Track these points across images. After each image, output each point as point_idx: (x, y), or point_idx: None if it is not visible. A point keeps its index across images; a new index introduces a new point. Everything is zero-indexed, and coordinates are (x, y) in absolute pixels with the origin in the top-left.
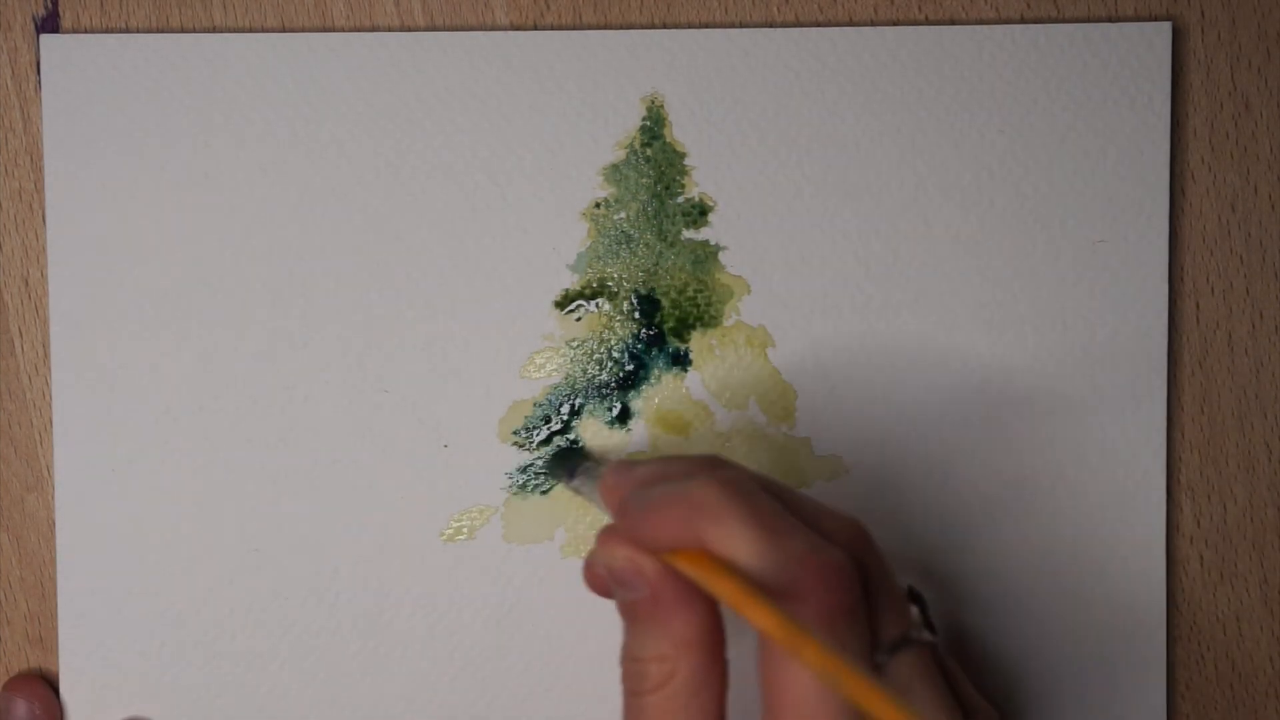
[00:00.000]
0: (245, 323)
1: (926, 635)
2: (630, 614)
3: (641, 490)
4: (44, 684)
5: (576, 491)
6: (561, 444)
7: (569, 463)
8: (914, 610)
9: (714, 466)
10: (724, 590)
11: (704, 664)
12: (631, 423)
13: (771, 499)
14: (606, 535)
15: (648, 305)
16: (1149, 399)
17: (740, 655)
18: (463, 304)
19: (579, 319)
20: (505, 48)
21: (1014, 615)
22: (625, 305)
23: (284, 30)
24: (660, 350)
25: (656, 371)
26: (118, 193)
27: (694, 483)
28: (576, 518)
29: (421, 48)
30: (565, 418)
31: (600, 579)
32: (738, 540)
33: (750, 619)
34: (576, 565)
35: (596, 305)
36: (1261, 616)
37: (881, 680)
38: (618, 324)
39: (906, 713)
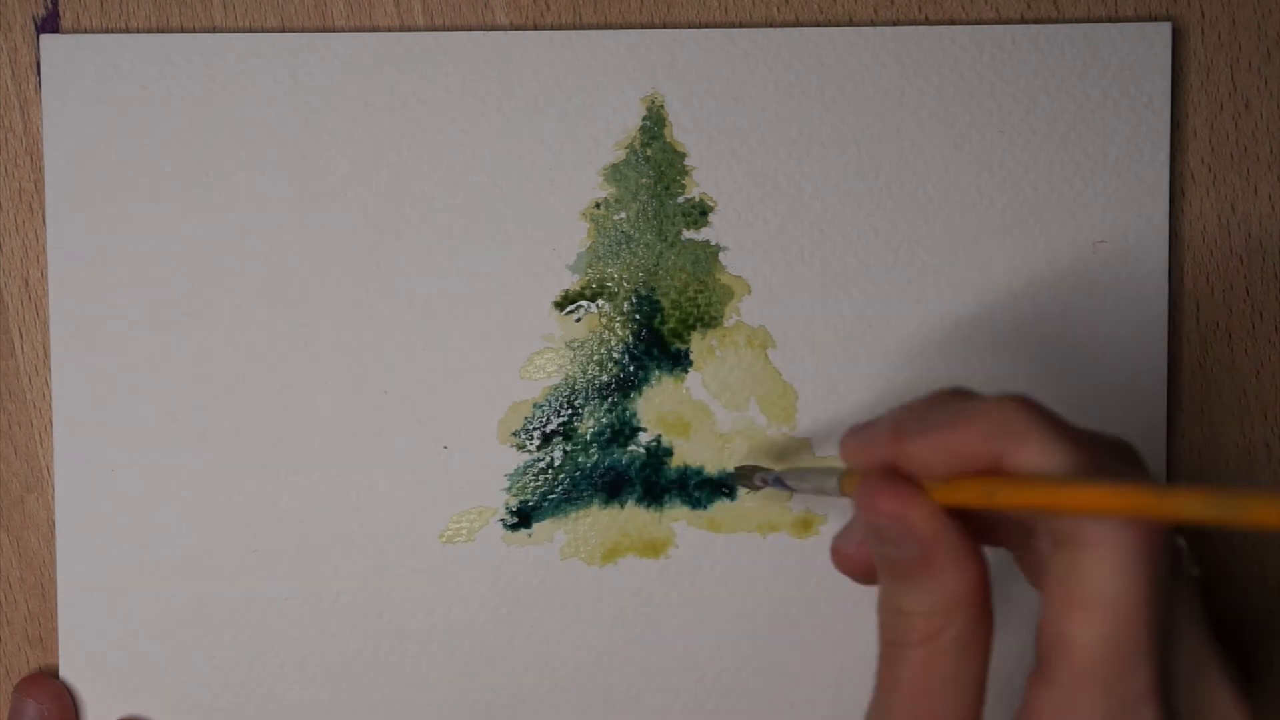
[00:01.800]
0: (245, 323)
1: (1194, 569)
2: (894, 571)
3: (913, 417)
4: (55, 682)
5: (780, 487)
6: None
7: (755, 474)
8: (1181, 541)
9: (963, 391)
10: (1041, 498)
11: (974, 622)
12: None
13: (1069, 424)
14: (869, 489)
15: (648, 306)
16: (1149, 399)
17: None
18: (463, 304)
19: (579, 319)
20: (505, 48)
21: (1014, 616)
22: (625, 306)
23: (284, 30)
24: (660, 351)
25: (657, 373)
26: (118, 193)
27: (993, 401)
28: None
29: (421, 48)
30: (566, 418)
31: (848, 559)
32: (1049, 458)
33: (1075, 508)
34: (576, 567)
35: (596, 306)
36: (1261, 616)
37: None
38: (618, 324)
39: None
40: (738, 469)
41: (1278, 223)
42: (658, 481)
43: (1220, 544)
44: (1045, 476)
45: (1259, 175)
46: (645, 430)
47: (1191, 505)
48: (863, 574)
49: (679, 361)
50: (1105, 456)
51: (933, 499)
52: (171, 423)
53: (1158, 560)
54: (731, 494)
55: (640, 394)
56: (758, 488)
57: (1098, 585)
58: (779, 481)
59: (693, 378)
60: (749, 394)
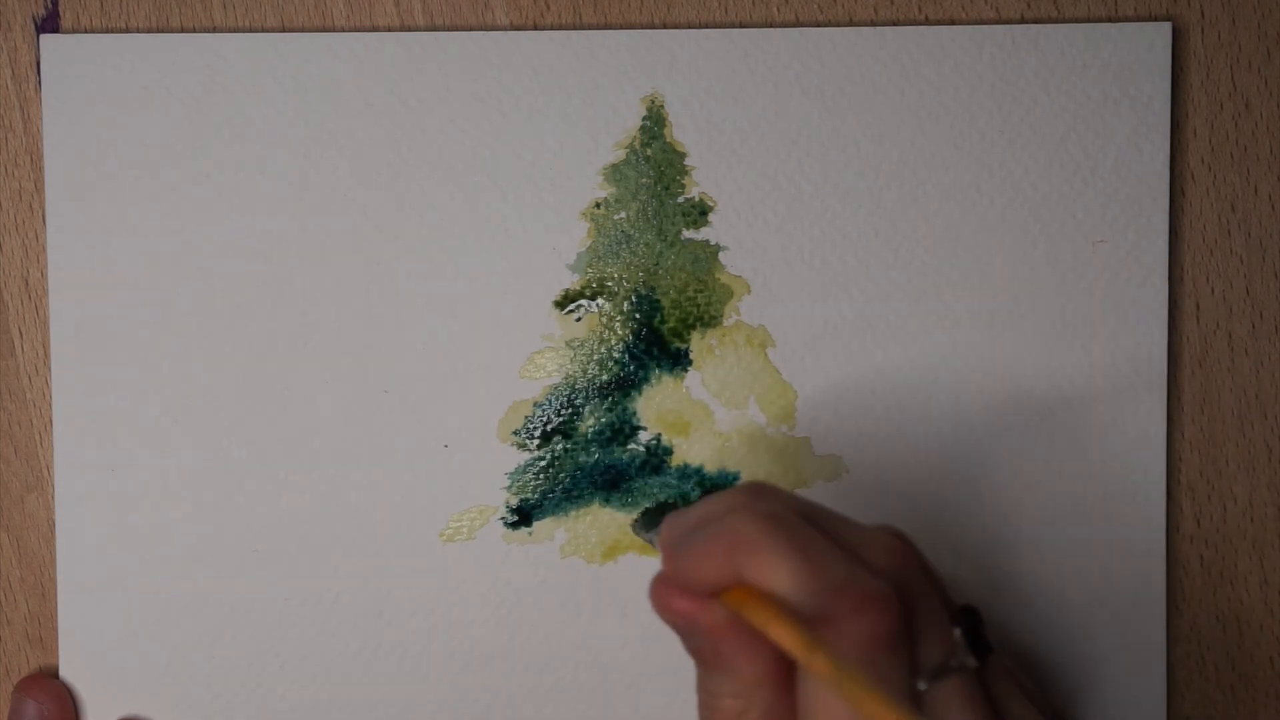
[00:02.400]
0: (245, 323)
1: (969, 661)
2: (698, 658)
3: (686, 534)
4: (55, 682)
5: (654, 545)
6: (648, 504)
7: (653, 520)
8: (956, 633)
9: (755, 497)
10: (759, 619)
11: (776, 697)
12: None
13: (810, 527)
14: (658, 586)
15: (648, 305)
16: (1149, 399)
17: None
18: (463, 304)
19: (579, 319)
20: (505, 48)
21: (1014, 615)
22: (625, 305)
23: (284, 30)
24: (660, 350)
25: (657, 372)
26: (118, 193)
27: (731, 518)
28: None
29: (421, 48)
30: (566, 417)
31: (664, 606)
32: (775, 571)
33: (788, 649)
34: (576, 565)
35: (596, 305)
36: (1261, 617)
37: (916, 711)
38: (618, 324)
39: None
40: (639, 516)
41: (1278, 223)
42: (658, 481)
43: (1220, 544)
44: (763, 599)
45: (1259, 175)
46: (645, 429)
47: (823, 668)
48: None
49: (679, 361)
50: (840, 572)
51: (718, 600)
52: (171, 423)
53: (891, 662)
54: None
55: (640, 393)
56: (644, 539)
57: (827, 690)
58: (652, 541)
59: (692, 377)
60: (748, 393)
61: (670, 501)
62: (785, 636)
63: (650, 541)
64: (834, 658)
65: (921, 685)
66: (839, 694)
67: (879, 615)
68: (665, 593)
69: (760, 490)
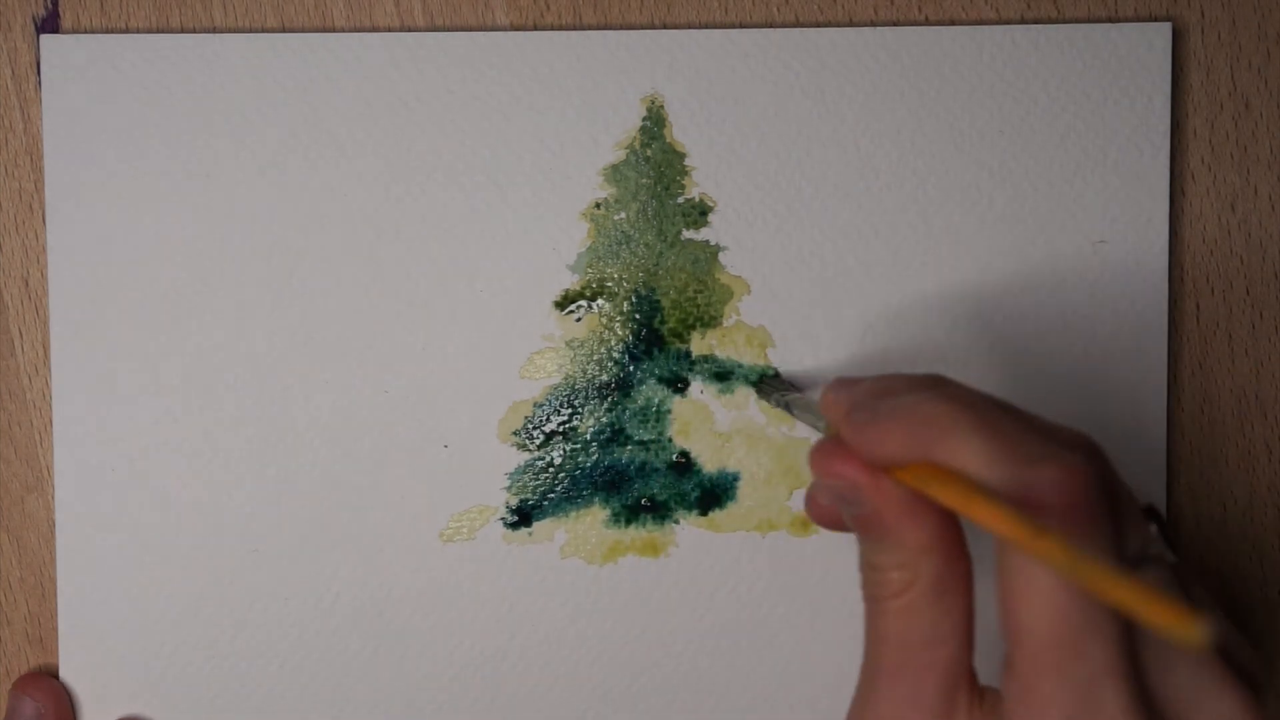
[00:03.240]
0: (245, 323)
1: (1168, 554)
2: (860, 526)
3: (867, 403)
4: (53, 681)
5: (787, 409)
6: (761, 374)
7: (778, 386)
8: (1153, 528)
9: (938, 384)
10: (955, 499)
11: (945, 567)
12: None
13: (1005, 408)
14: (823, 449)
15: (648, 305)
16: (1149, 398)
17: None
18: (463, 304)
19: (579, 319)
20: (505, 48)
21: None
22: (625, 305)
23: (284, 30)
24: (660, 350)
25: (656, 372)
26: (118, 193)
27: (922, 397)
28: (574, 517)
29: (421, 48)
30: (566, 417)
31: (822, 510)
32: (969, 451)
33: (985, 524)
34: (575, 565)
35: (596, 305)
36: (1261, 616)
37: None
38: (618, 324)
39: (1165, 600)
40: (763, 380)
41: (1278, 223)
42: (658, 481)
43: (1221, 544)
44: (961, 480)
45: (1259, 175)
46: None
47: (1052, 553)
48: (833, 524)
49: (679, 361)
50: (1039, 450)
51: (891, 475)
52: (171, 423)
53: (1098, 540)
54: (722, 501)
55: (640, 393)
56: (773, 404)
57: (1038, 569)
58: (788, 406)
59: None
60: (748, 394)
61: (780, 376)
62: (981, 508)
63: (780, 405)
64: (1063, 538)
65: (1170, 557)
66: (1044, 559)
67: (1082, 491)
68: (829, 456)
69: (942, 379)
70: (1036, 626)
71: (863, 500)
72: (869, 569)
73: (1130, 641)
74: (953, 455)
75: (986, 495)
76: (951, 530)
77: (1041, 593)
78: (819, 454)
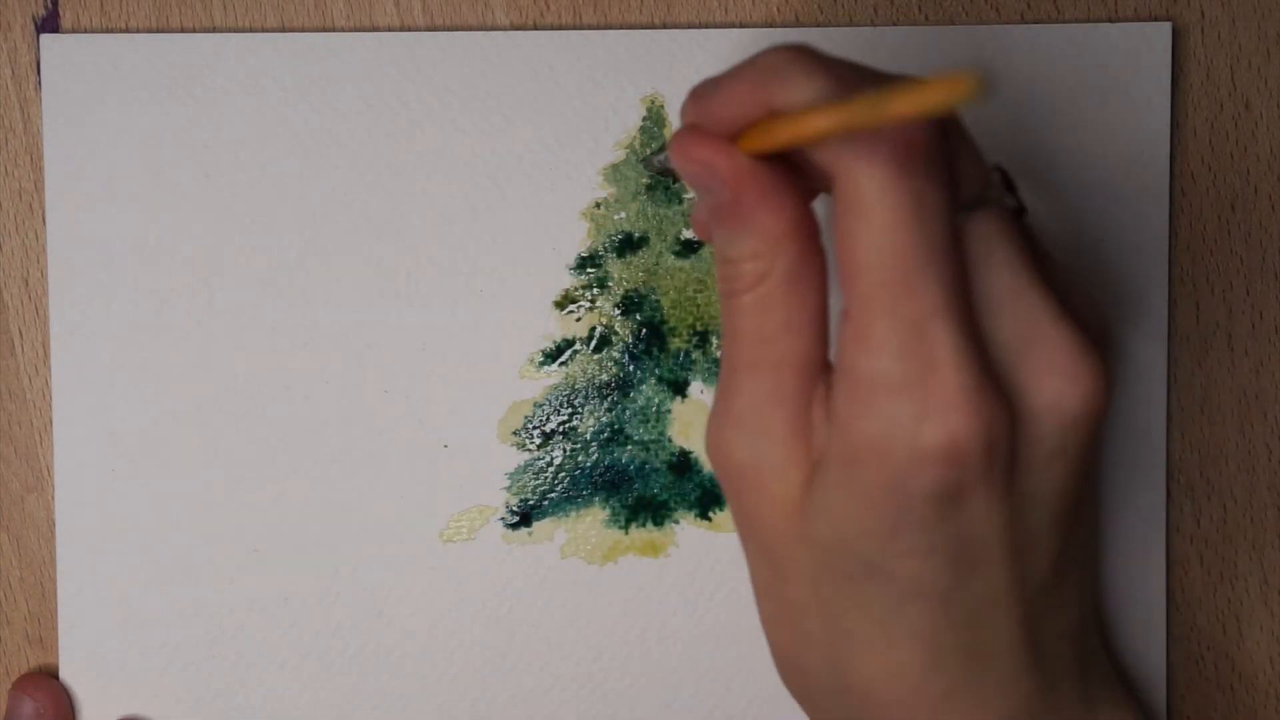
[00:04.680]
0: (245, 323)
1: (1008, 199)
2: (718, 217)
3: (710, 78)
4: (53, 681)
5: (663, 167)
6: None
7: (653, 157)
8: (996, 175)
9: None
10: (789, 133)
11: (799, 255)
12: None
13: (840, 59)
14: (679, 137)
15: (648, 305)
16: (1149, 400)
17: None
18: (463, 304)
19: (579, 319)
20: (505, 48)
21: None
22: (625, 305)
23: (284, 30)
24: (660, 350)
25: (657, 372)
26: (118, 193)
27: (760, 53)
28: (575, 520)
29: (421, 48)
30: (566, 417)
31: (700, 225)
32: (808, 92)
33: (812, 136)
34: (576, 565)
35: (596, 305)
36: (1261, 616)
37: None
38: (617, 324)
39: (932, 79)
40: (646, 157)
41: (1278, 223)
42: (658, 481)
43: (1220, 544)
44: (797, 110)
45: (1259, 175)
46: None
47: (857, 113)
48: (709, 235)
49: (679, 361)
50: (864, 82)
51: (735, 145)
52: (171, 422)
53: (923, 175)
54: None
55: (640, 393)
56: (655, 168)
57: (865, 206)
58: (666, 161)
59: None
60: None
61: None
62: (815, 120)
63: (659, 165)
64: (867, 95)
65: (959, 217)
66: (874, 119)
67: (916, 125)
68: (686, 141)
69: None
70: (870, 265)
71: (720, 183)
72: (724, 264)
73: (963, 284)
74: (791, 99)
75: (813, 111)
76: (806, 221)
77: (875, 230)
78: (677, 141)
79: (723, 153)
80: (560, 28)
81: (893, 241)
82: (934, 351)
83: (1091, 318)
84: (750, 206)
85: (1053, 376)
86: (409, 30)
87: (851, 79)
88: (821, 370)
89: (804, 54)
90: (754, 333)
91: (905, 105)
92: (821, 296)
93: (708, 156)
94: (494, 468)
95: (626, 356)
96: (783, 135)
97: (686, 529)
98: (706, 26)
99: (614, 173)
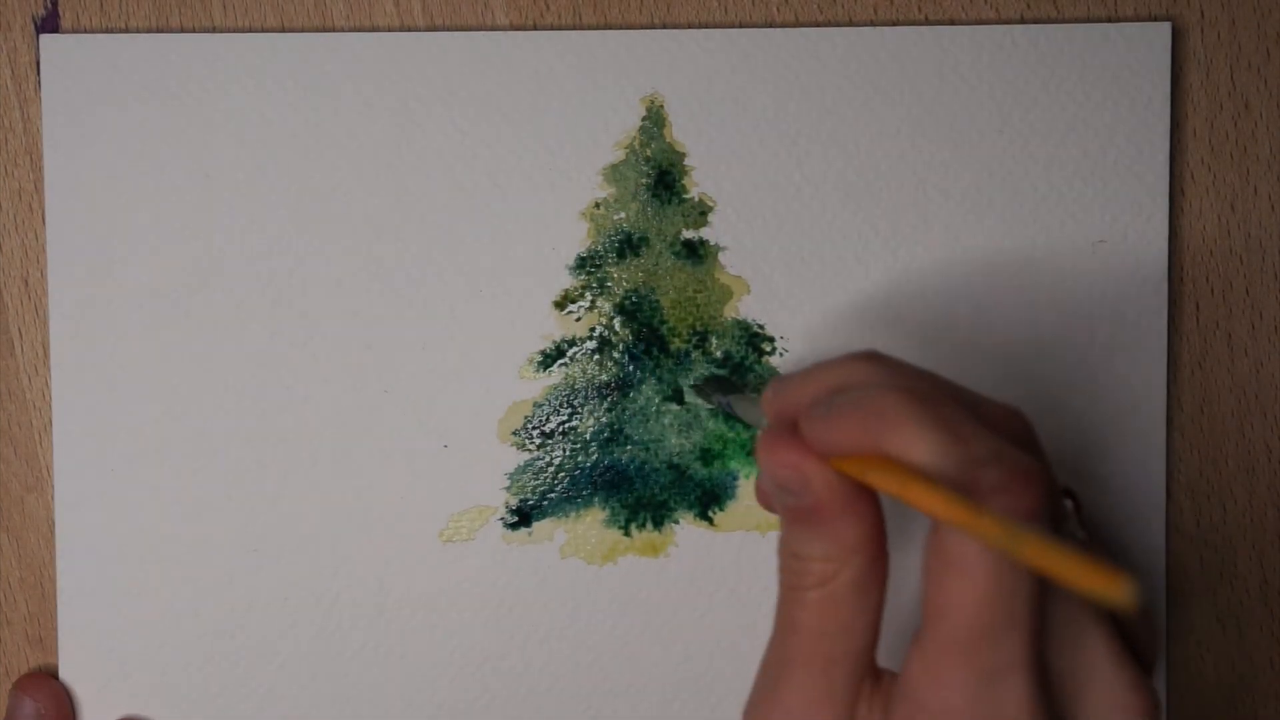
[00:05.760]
0: (245, 323)
1: (1080, 533)
2: (793, 516)
3: (823, 398)
4: (53, 681)
5: (728, 410)
6: (705, 375)
7: (719, 387)
8: (1068, 504)
9: (876, 362)
10: (897, 486)
11: (867, 566)
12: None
13: (951, 401)
14: (769, 441)
15: (648, 305)
16: (1149, 399)
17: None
18: (463, 304)
19: (579, 319)
20: (505, 48)
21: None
22: (625, 305)
23: (284, 30)
24: (660, 351)
25: (657, 372)
26: (118, 193)
27: (875, 391)
28: (573, 519)
29: (421, 48)
30: (566, 417)
31: (765, 493)
32: (920, 444)
33: (926, 507)
34: (575, 565)
35: (596, 305)
36: (1261, 617)
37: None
38: (617, 324)
39: (1094, 563)
40: (701, 382)
41: (1278, 223)
42: (657, 481)
43: (1220, 544)
44: (904, 468)
45: (1259, 175)
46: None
47: (989, 528)
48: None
49: (679, 361)
50: (988, 447)
51: (832, 463)
52: (171, 422)
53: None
54: (722, 501)
55: (640, 393)
56: (711, 404)
57: (968, 553)
58: (729, 405)
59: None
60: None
61: (726, 376)
62: (937, 500)
63: (721, 406)
64: (1000, 516)
65: (1080, 534)
66: (1000, 548)
67: (1032, 490)
68: (776, 445)
69: (880, 358)
70: (957, 609)
71: (808, 491)
72: (792, 558)
73: (1040, 637)
74: (903, 448)
75: (928, 480)
76: (880, 531)
77: (968, 576)
78: (767, 443)
79: (813, 463)
80: (560, 28)
81: (985, 597)
82: (1003, 702)
83: (1143, 633)
84: (831, 516)
85: (1112, 714)
86: (409, 30)
87: (964, 438)
88: (870, 668)
89: (917, 401)
90: (814, 628)
91: (1040, 560)
92: (882, 599)
93: (798, 463)
94: (494, 468)
95: (626, 357)
96: (890, 488)
97: (686, 529)
98: (706, 26)
99: (614, 173)
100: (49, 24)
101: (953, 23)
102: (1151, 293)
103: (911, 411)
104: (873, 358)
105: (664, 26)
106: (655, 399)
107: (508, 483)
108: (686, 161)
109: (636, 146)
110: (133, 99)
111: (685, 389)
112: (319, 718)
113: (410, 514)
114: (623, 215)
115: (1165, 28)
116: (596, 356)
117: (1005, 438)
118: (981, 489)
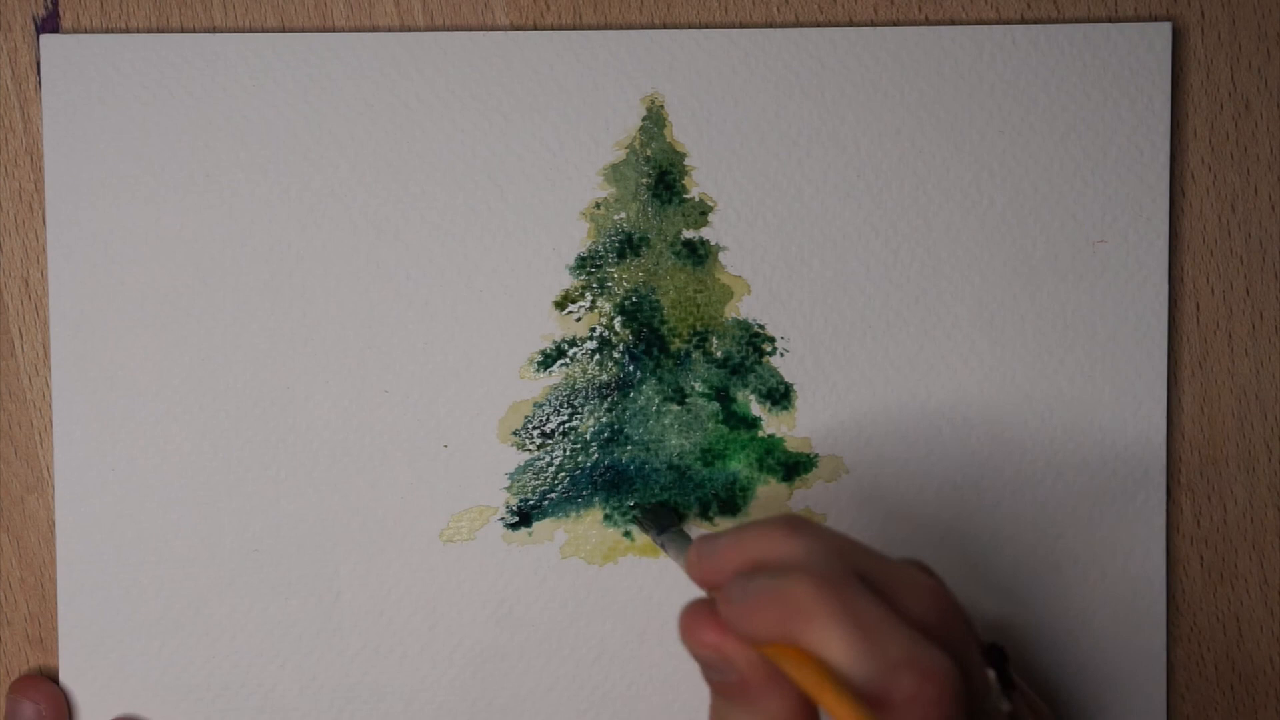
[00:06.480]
0: (245, 323)
1: (1003, 705)
2: (720, 690)
3: (740, 582)
4: (50, 684)
5: (662, 547)
6: (652, 501)
7: (660, 519)
8: (990, 675)
9: (796, 531)
10: (810, 684)
11: None
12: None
13: (866, 594)
14: (693, 618)
15: (648, 305)
16: (1149, 399)
17: None
18: (463, 304)
19: (579, 319)
20: (505, 48)
21: (1014, 615)
22: (625, 305)
23: (284, 30)
24: (660, 351)
25: (657, 372)
26: (118, 193)
27: (790, 580)
28: (574, 520)
29: (421, 48)
30: (566, 417)
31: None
32: (834, 644)
33: (834, 714)
34: (575, 565)
35: (596, 305)
36: (1261, 617)
37: None
38: (618, 324)
39: None
40: (641, 512)
41: (1278, 223)
42: (659, 481)
43: (1220, 544)
44: (819, 667)
45: (1259, 175)
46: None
47: None
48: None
49: (679, 362)
50: (901, 648)
51: (756, 649)
52: (171, 423)
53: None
54: (721, 502)
55: (640, 393)
56: (650, 537)
57: None
58: (662, 545)
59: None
60: (749, 394)
61: (667, 501)
62: (843, 709)
63: (660, 544)
64: None
65: (1004, 707)
66: None
67: (946, 697)
68: (698, 625)
69: (798, 527)
70: None
71: (732, 670)
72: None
73: None
74: (817, 644)
75: (839, 689)
76: (807, 706)
77: None
78: (689, 622)
79: (734, 644)
80: (560, 28)
81: None
82: None
83: None
84: (757, 692)
85: None
86: (409, 30)
87: (876, 638)
88: None
89: (831, 595)
90: None
91: None
92: None
93: (719, 644)
94: (494, 468)
95: (626, 357)
96: (805, 685)
97: (687, 529)
98: (706, 26)
99: (614, 173)
100: (49, 24)
101: (953, 23)
102: (1151, 293)
103: (825, 606)
104: (792, 527)
105: (664, 26)
106: (655, 399)
107: (508, 483)
108: (687, 161)
109: (637, 146)
110: (133, 99)
111: (634, 514)
112: (319, 718)
113: (410, 514)
114: (623, 215)
115: (1165, 28)
116: (597, 356)
117: (915, 608)
118: (894, 700)
